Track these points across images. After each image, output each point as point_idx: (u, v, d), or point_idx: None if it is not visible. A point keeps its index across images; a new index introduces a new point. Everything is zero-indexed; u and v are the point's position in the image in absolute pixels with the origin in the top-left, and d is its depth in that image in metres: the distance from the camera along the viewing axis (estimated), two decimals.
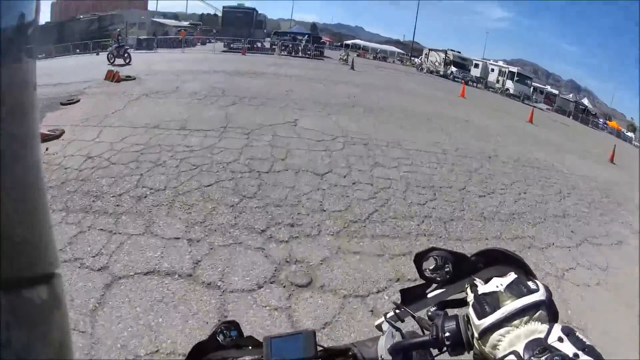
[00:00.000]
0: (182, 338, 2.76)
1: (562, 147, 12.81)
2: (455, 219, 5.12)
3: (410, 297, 0.81)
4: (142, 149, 6.01)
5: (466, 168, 7.39)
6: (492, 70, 34.93)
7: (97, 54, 20.53)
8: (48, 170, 5.30)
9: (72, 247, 3.68)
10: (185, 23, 34.01)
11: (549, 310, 0.59)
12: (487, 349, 0.59)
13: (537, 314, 0.58)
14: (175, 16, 36.95)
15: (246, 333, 0.81)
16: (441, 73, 33.90)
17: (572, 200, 7.15)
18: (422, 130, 9.71)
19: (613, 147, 14.48)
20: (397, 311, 0.79)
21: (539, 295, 0.60)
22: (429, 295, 0.80)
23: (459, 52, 35.66)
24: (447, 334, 0.65)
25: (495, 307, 0.60)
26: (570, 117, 31.57)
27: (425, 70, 35.66)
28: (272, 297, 3.15)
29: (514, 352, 0.55)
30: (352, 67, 23.97)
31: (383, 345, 0.72)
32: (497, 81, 33.73)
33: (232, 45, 28.33)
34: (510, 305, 0.59)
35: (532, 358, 0.52)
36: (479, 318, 0.61)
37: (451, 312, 0.72)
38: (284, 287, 3.26)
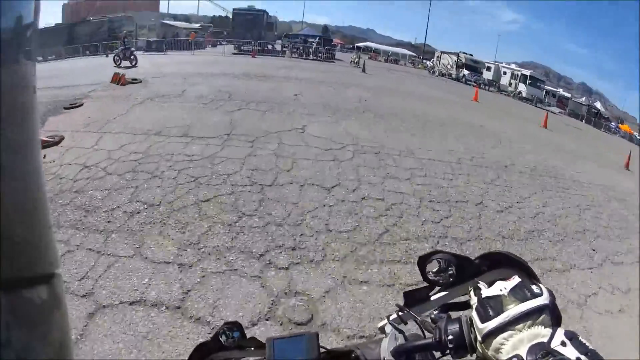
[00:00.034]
0: None
1: (577, 154, 12.31)
2: (473, 239, 4.69)
3: (414, 299, 0.81)
4: (140, 158, 5.72)
5: (482, 179, 6.95)
6: (505, 73, 34.36)
7: (107, 56, 20.47)
8: None
9: None
10: (196, 25, 33.93)
11: (552, 314, 0.59)
12: (490, 352, 0.59)
13: (541, 318, 0.58)
14: (186, 18, 36.99)
15: None
16: (453, 76, 33.43)
17: (591, 213, 6.67)
18: (435, 137, 9.27)
19: (629, 153, 13.89)
20: (400, 313, 0.78)
21: (543, 300, 0.60)
22: (432, 298, 0.80)
23: (471, 55, 35.11)
24: (450, 337, 0.65)
25: (499, 310, 0.60)
26: (583, 121, 30.77)
27: (437, 73, 35.13)
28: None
29: (517, 356, 0.55)
30: (364, 70, 23.53)
31: (386, 348, 0.72)
32: (510, 84, 33.11)
33: (242, 48, 28.15)
34: (514, 309, 0.59)
35: None
36: (482, 321, 0.61)
37: (454, 315, 0.71)
38: (281, 324, 2.88)
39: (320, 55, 29.53)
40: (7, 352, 0.33)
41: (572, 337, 0.54)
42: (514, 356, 0.55)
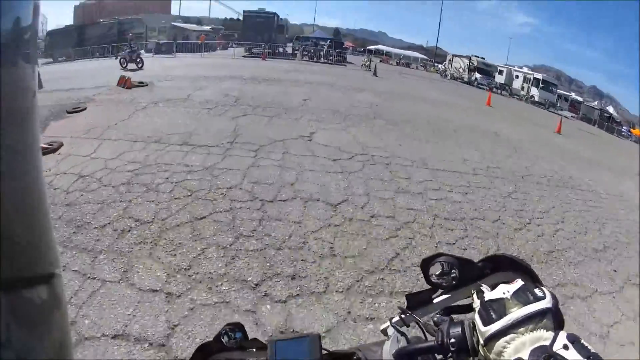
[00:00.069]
0: None
1: (592, 161, 11.75)
2: None
3: (416, 302, 0.81)
4: (137, 169, 5.43)
5: (499, 192, 6.53)
6: (517, 76, 33.70)
7: (116, 58, 20.37)
8: None
9: None
10: (207, 27, 33.79)
11: (554, 318, 0.59)
12: (492, 355, 0.59)
13: (543, 321, 0.58)
14: (198, 20, 36.98)
15: None
16: (465, 80, 32.87)
17: (610, 227, 6.21)
18: (449, 145, 8.85)
19: None
20: (403, 316, 0.78)
21: (546, 303, 0.60)
22: (434, 301, 0.80)
23: (483, 58, 34.57)
24: (452, 340, 0.65)
25: (502, 314, 0.60)
26: (595, 125, 29.87)
27: (449, 77, 34.63)
28: None
29: (519, 359, 0.55)
30: (375, 74, 23.13)
31: (388, 350, 0.73)
32: (522, 88, 32.42)
33: (253, 51, 27.94)
34: (517, 313, 0.59)
35: None
36: (485, 325, 0.61)
37: (457, 317, 0.71)
38: None
39: (331, 58, 29.16)
40: (7, 352, 0.33)
41: (574, 340, 0.54)
42: (516, 359, 0.56)
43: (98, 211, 4.42)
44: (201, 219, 4.17)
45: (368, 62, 27.82)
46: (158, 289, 3.24)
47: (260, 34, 28.36)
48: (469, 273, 0.76)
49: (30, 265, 0.39)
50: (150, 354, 2.69)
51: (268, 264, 3.51)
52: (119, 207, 4.50)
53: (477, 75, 32.40)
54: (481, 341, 0.61)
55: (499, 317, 0.60)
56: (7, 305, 0.34)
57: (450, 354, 0.65)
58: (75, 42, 24.00)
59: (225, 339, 0.79)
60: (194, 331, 2.80)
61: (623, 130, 33.52)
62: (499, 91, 31.50)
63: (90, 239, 3.92)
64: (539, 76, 32.27)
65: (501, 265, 0.76)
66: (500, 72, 34.22)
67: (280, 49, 30.66)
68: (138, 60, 16.61)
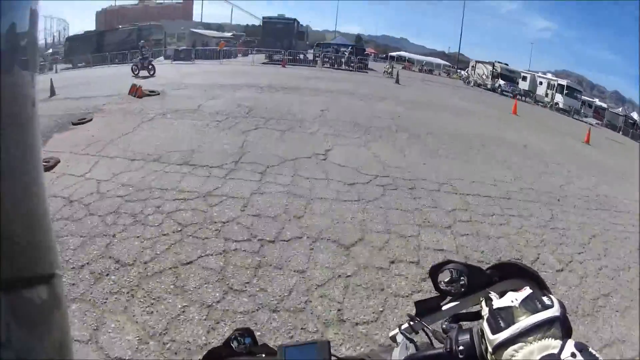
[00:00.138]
0: None
1: (625, 175, 10.58)
2: None
3: (425, 309, 0.82)
4: (129, 194, 4.88)
5: (536, 221, 5.68)
6: (541, 83, 32.18)
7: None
8: None
9: None
10: (228, 34, 33.60)
11: (563, 326, 0.59)
12: None
13: (551, 329, 0.58)
14: (219, 27, 36.91)
15: None
16: (489, 86, 31.64)
17: None
18: (477, 162, 7.99)
19: None
20: (412, 323, 0.80)
21: (554, 311, 0.60)
22: (443, 308, 0.81)
23: (506, 64, 33.23)
24: (460, 348, 0.65)
25: (510, 322, 0.60)
26: (620, 132, 28.06)
27: (472, 84, 33.43)
28: None
29: None
30: (397, 81, 22.27)
31: (397, 357, 0.75)
32: (546, 95, 30.90)
33: (273, 57, 27.51)
34: (525, 321, 0.59)
35: None
36: (493, 333, 0.61)
37: (465, 325, 0.72)
38: None
39: (352, 65, 28.42)
40: (7, 352, 0.33)
41: (582, 348, 0.54)
42: None
43: (79, 247, 3.88)
44: (187, 264, 3.52)
45: (390, 69, 26.95)
46: (126, 358, 2.61)
47: (280, 40, 27.88)
48: (478, 280, 0.76)
49: (30, 265, 0.38)
50: None
51: (259, 333, 2.79)
52: (101, 243, 3.93)
53: (501, 81, 31.21)
54: (489, 349, 0.61)
55: (508, 325, 0.60)
56: (7, 305, 0.34)
57: None
58: (94, 48, 24.12)
59: (234, 344, 0.78)
60: None
61: None
62: (523, 98, 30.23)
63: (65, 282, 3.32)
64: (564, 82, 30.86)
65: (509, 273, 0.76)
66: (524, 79, 32.91)
67: (301, 56, 30.05)
68: (150, 67, 16.39)
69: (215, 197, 4.74)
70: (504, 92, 29.85)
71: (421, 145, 8.44)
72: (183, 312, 2.99)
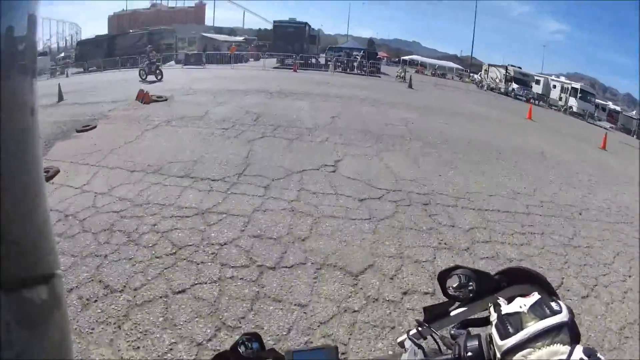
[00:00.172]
0: None
1: None
2: None
3: (433, 315, 0.82)
4: (125, 209, 4.61)
5: (558, 239, 5.26)
6: (554, 86, 31.38)
7: None
8: None
9: None
10: (240, 38, 33.41)
11: (571, 332, 0.59)
12: None
13: (560, 335, 0.58)
14: (231, 31, 36.85)
15: None
16: (502, 90, 31.02)
17: None
18: (495, 172, 7.55)
19: None
20: (420, 329, 0.79)
21: (562, 317, 0.60)
22: (451, 314, 0.80)
23: (520, 68, 32.59)
24: (469, 354, 0.66)
25: (518, 327, 0.60)
26: (635, 136, 27.13)
27: (485, 88, 32.84)
28: None
29: None
30: (410, 86, 21.83)
31: None
32: (560, 98, 30.14)
33: (285, 62, 27.27)
34: (533, 327, 0.59)
35: None
36: (502, 338, 0.61)
37: (474, 331, 0.72)
38: None
39: (364, 69, 28.03)
40: (7, 352, 0.33)
41: (590, 354, 0.55)
42: None
43: (69, 268, 3.64)
44: (179, 292, 3.21)
45: (403, 73, 26.52)
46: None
47: (291, 44, 27.62)
48: (486, 286, 0.75)
49: (30, 265, 0.38)
50: None
51: None
52: (91, 265, 3.67)
53: (515, 85, 30.62)
54: (498, 355, 0.61)
55: (516, 331, 0.60)
56: (7, 305, 0.34)
57: None
58: (105, 52, 24.24)
59: (242, 349, 0.77)
60: None
61: None
62: (537, 102, 29.61)
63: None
64: (577, 85, 30.08)
65: (518, 278, 0.76)
66: (537, 82, 32.17)
67: (313, 60, 29.74)
68: (157, 72, 16.29)
69: (215, 214, 4.43)
70: (518, 96, 29.33)
71: (436, 155, 8.04)
72: (171, 349, 2.67)
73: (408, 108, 13.56)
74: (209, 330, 2.83)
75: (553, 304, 0.61)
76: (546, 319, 0.59)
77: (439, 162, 7.62)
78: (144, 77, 15.93)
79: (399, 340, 0.83)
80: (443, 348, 0.74)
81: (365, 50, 30.77)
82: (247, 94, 12.91)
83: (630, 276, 4.72)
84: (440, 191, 6.03)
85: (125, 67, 21.72)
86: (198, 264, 3.54)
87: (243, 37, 34.64)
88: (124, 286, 3.34)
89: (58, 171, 6.04)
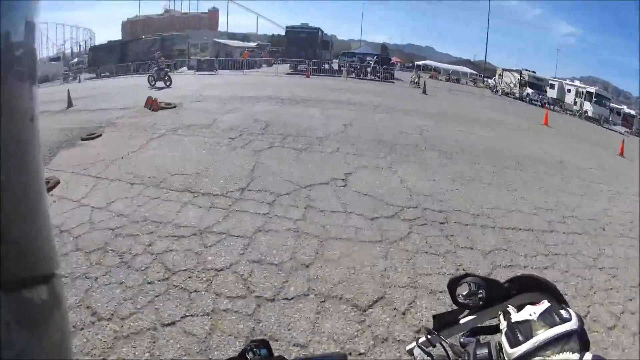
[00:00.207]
0: None
1: None
2: None
3: (443, 322, 0.81)
4: (121, 226, 4.38)
5: (583, 260, 4.88)
6: (569, 90, 30.71)
7: None
8: None
9: None
10: (253, 44, 33.37)
11: (580, 339, 0.59)
12: None
13: (569, 343, 0.58)
14: (244, 37, 36.89)
15: None
16: (517, 95, 30.40)
17: None
18: (515, 185, 7.12)
19: None
20: (429, 336, 0.79)
21: (572, 325, 0.60)
22: (461, 322, 0.80)
23: (534, 72, 31.94)
24: None
25: (528, 336, 0.60)
26: None
27: (500, 93, 32.29)
28: None
29: None
30: (424, 91, 21.42)
31: None
32: (575, 103, 29.42)
33: (298, 67, 27.06)
34: (543, 335, 0.59)
35: None
36: (512, 347, 0.61)
37: (483, 339, 0.71)
38: None
39: (378, 75, 27.66)
40: (7, 352, 0.33)
41: None
42: None
43: None
44: (168, 325, 2.92)
45: (417, 79, 26.12)
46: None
47: (304, 49, 27.39)
48: (496, 294, 0.75)
49: (30, 265, 0.38)
50: None
51: None
52: (80, 288, 3.43)
53: (529, 90, 30.06)
54: None
55: (526, 339, 0.60)
56: (7, 305, 0.34)
57: None
58: (117, 57, 24.43)
59: (250, 356, 0.76)
60: None
61: None
62: (552, 107, 28.95)
63: None
64: (592, 90, 29.42)
65: (527, 286, 0.76)
66: (552, 87, 31.56)
67: (326, 66, 29.46)
68: (166, 78, 16.25)
69: (213, 234, 4.14)
70: (533, 101, 28.96)
71: (453, 167, 7.63)
72: None
73: (422, 115, 13.19)
74: None
75: (563, 312, 0.62)
76: (556, 327, 0.59)
77: (456, 174, 7.22)
78: (152, 84, 15.91)
79: (407, 348, 0.82)
80: (452, 356, 0.73)
81: (379, 56, 30.43)
82: (258, 100, 12.69)
83: None
84: (457, 207, 5.65)
85: (138, 72, 21.83)
86: (191, 293, 3.25)
87: (256, 43, 34.61)
88: (112, 313, 3.08)
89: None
